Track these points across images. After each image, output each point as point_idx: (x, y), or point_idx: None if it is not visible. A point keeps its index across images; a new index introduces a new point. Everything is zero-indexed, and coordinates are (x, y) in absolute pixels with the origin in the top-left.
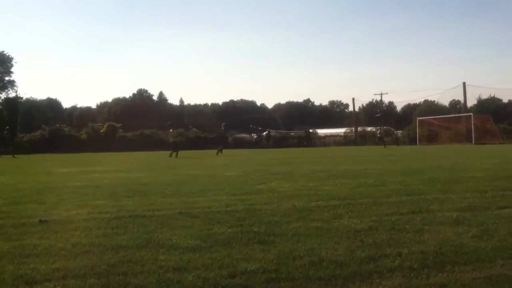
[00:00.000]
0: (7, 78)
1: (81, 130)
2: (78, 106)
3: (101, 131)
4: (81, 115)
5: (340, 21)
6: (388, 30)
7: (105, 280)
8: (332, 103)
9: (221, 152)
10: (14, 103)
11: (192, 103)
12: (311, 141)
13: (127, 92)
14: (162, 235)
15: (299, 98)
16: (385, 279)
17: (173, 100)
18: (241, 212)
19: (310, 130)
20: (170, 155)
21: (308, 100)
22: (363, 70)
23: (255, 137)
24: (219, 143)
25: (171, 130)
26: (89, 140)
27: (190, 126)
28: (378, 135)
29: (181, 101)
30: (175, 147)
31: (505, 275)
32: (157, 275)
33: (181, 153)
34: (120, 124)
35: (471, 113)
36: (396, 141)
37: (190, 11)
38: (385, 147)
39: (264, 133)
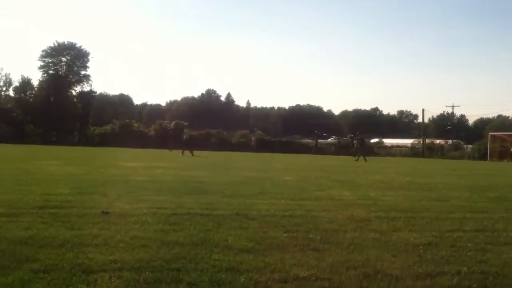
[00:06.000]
0: (83, 72)
1: (150, 127)
2: (149, 103)
3: (168, 128)
4: (150, 112)
5: (415, 28)
6: (462, 39)
7: (159, 275)
8: (400, 113)
9: (365, 160)
10: (88, 97)
11: (258, 106)
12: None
13: (196, 91)
14: (218, 234)
15: (367, 106)
16: None
17: (240, 102)
18: (298, 218)
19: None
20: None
21: (376, 109)
22: (435, 80)
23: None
24: (360, 150)
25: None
26: (156, 136)
27: (255, 129)
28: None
29: (248, 103)
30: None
31: None
32: (210, 274)
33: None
34: (187, 123)
35: None
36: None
37: (263, 13)
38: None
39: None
